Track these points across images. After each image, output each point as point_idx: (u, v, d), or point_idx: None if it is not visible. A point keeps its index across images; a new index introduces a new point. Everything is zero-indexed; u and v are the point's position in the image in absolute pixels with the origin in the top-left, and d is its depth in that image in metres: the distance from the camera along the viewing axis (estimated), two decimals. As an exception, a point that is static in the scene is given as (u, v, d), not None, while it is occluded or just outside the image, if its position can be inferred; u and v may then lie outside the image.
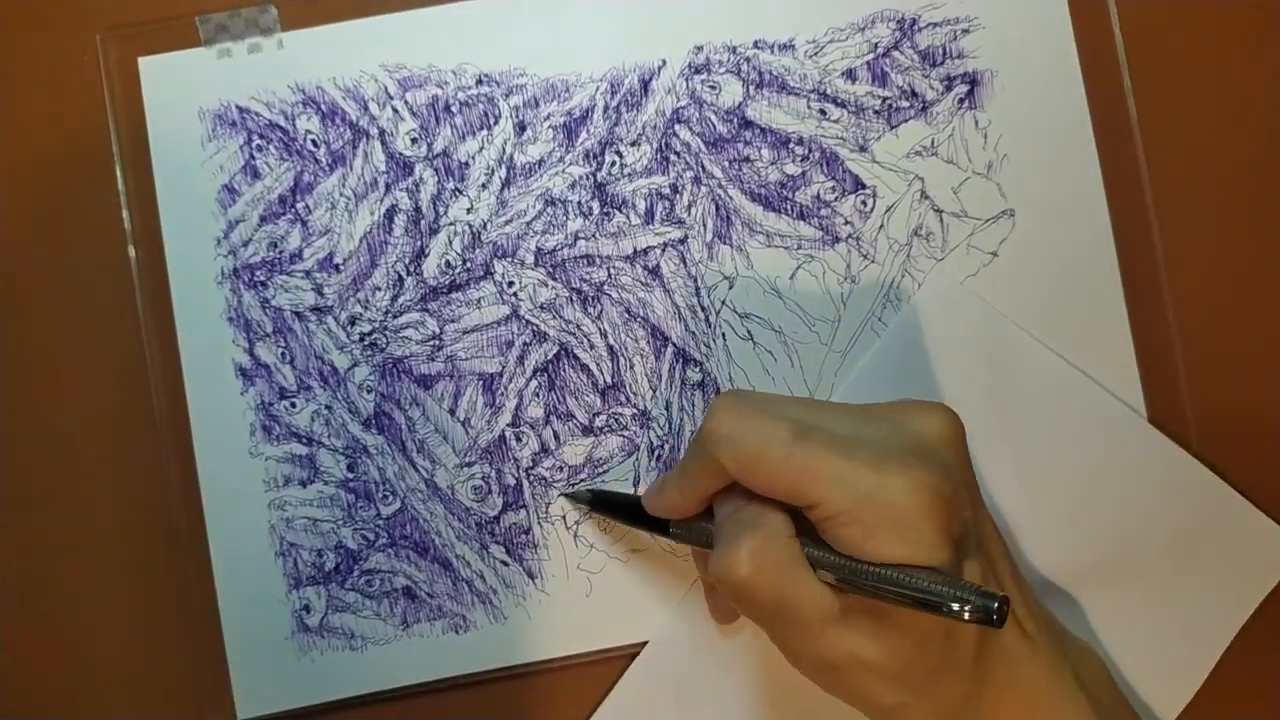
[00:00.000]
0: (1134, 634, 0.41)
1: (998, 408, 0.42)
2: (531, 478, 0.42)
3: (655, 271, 0.43)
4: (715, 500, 0.35)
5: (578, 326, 0.43)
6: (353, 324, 0.43)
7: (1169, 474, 0.42)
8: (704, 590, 0.41)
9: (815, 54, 0.43)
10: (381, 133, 0.43)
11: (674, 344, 0.43)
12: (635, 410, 0.43)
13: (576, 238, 0.43)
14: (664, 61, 0.43)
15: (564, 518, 0.42)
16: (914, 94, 0.43)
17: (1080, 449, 0.42)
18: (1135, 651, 0.41)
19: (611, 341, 0.43)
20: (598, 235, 0.43)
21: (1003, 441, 0.42)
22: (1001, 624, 0.29)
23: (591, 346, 0.43)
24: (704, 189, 0.43)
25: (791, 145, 0.43)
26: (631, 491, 0.42)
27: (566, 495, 0.42)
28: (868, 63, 0.43)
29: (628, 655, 0.42)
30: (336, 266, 0.43)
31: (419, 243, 0.43)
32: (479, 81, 0.43)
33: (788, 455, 0.32)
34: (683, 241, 0.43)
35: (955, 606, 0.29)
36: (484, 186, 0.43)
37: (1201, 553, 0.42)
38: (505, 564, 0.42)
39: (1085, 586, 0.42)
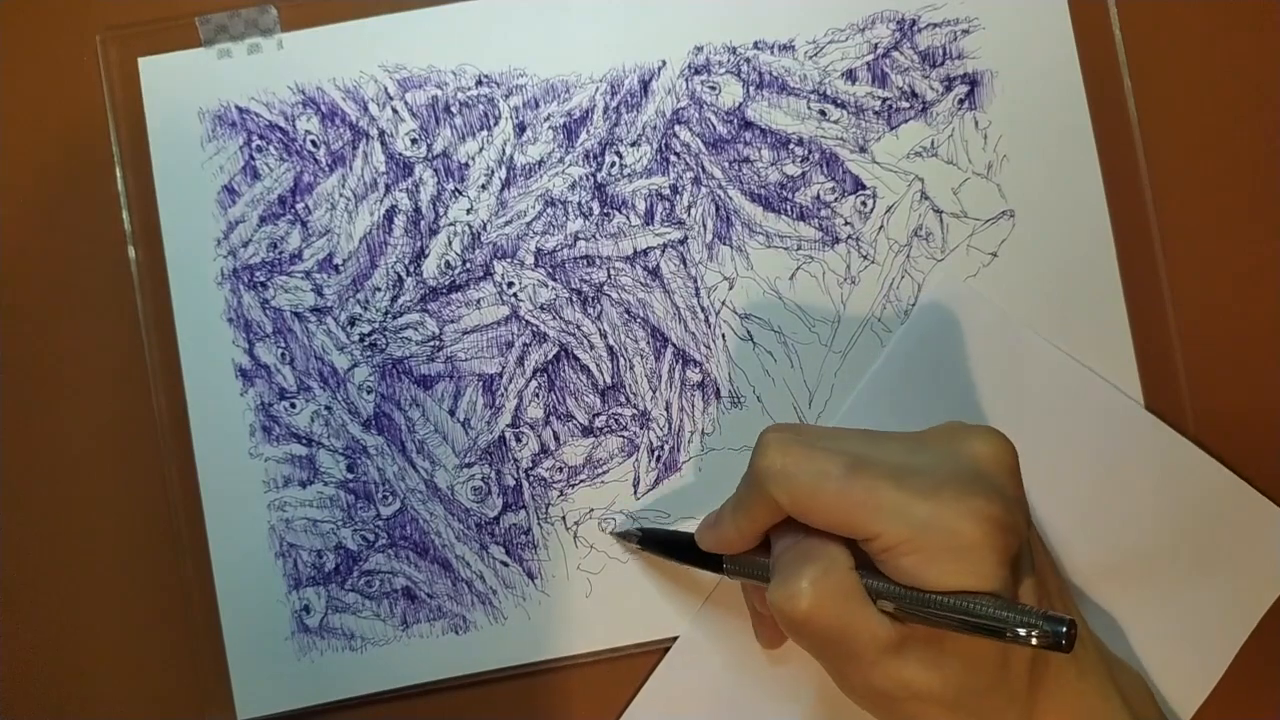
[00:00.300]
0: (1152, 631, 0.41)
1: (1007, 407, 0.42)
2: (531, 478, 0.42)
3: (655, 272, 0.43)
4: (771, 534, 0.35)
5: (577, 327, 0.43)
6: (352, 324, 0.43)
7: (1182, 471, 0.42)
8: (752, 618, 0.41)
9: (815, 55, 0.43)
10: (381, 133, 0.43)
11: (674, 345, 0.43)
12: (635, 411, 0.43)
13: (576, 238, 0.43)
14: (664, 62, 0.43)
15: (564, 518, 0.42)
16: (914, 95, 0.43)
17: (1092, 446, 0.42)
18: (1154, 648, 0.41)
19: (611, 342, 0.43)
20: (598, 236, 0.43)
21: (1014, 441, 0.42)
22: (1070, 648, 0.29)
23: (591, 347, 0.43)
24: (704, 190, 0.43)
25: (791, 146, 0.43)
26: (678, 528, 0.41)
27: (617, 535, 0.42)
28: (868, 63, 0.43)
29: (628, 655, 0.42)
30: (336, 267, 0.43)
31: (419, 243, 0.43)
32: (479, 82, 0.43)
33: (843, 489, 0.32)
34: (683, 242, 0.43)
35: (1022, 632, 0.30)
36: (484, 187, 0.43)
37: (1217, 547, 0.42)
38: (505, 564, 0.42)
39: (1103, 584, 0.42)
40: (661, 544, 0.41)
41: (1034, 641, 0.29)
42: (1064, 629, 0.29)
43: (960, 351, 0.42)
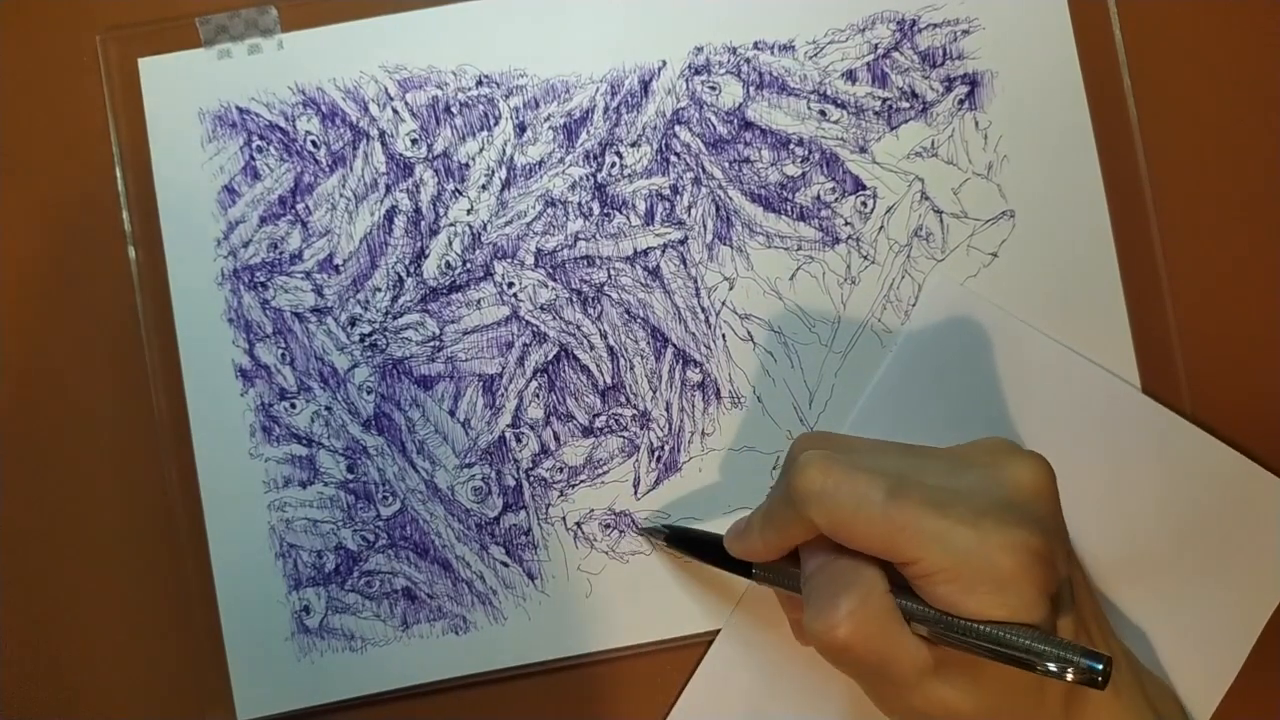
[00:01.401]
0: (1167, 624, 0.41)
1: (1012, 405, 0.42)
2: (531, 479, 0.42)
3: (655, 272, 0.43)
4: (803, 549, 0.35)
5: (578, 327, 0.43)
6: (353, 325, 0.43)
7: (1187, 455, 0.42)
8: (788, 619, 0.40)
9: (815, 55, 0.43)
10: (381, 134, 0.43)
11: (674, 345, 0.43)
12: (635, 411, 0.43)
13: (576, 239, 0.43)
14: (664, 62, 0.43)
15: (564, 519, 0.42)
16: (914, 95, 0.43)
17: (1098, 438, 0.42)
18: (1170, 641, 0.41)
19: (611, 342, 0.43)
20: (598, 236, 0.43)
21: (1020, 439, 0.42)
22: (1105, 685, 0.29)
23: (591, 347, 0.43)
24: (704, 190, 0.43)
25: (792, 146, 0.43)
26: (709, 529, 0.41)
27: (643, 530, 0.42)
28: (868, 64, 0.43)
29: (628, 656, 0.42)
30: (336, 267, 0.43)
31: (419, 244, 0.43)
32: (479, 82, 0.43)
33: (885, 515, 0.31)
34: (683, 242, 0.43)
35: (1055, 668, 0.30)
36: (484, 187, 0.43)
37: (1228, 534, 0.41)
38: (505, 565, 0.42)
39: (1117, 579, 0.42)
40: (689, 543, 0.40)
41: (1069, 677, 0.29)
42: (1100, 665, 0.29)
43: (962, 353, 0.42)
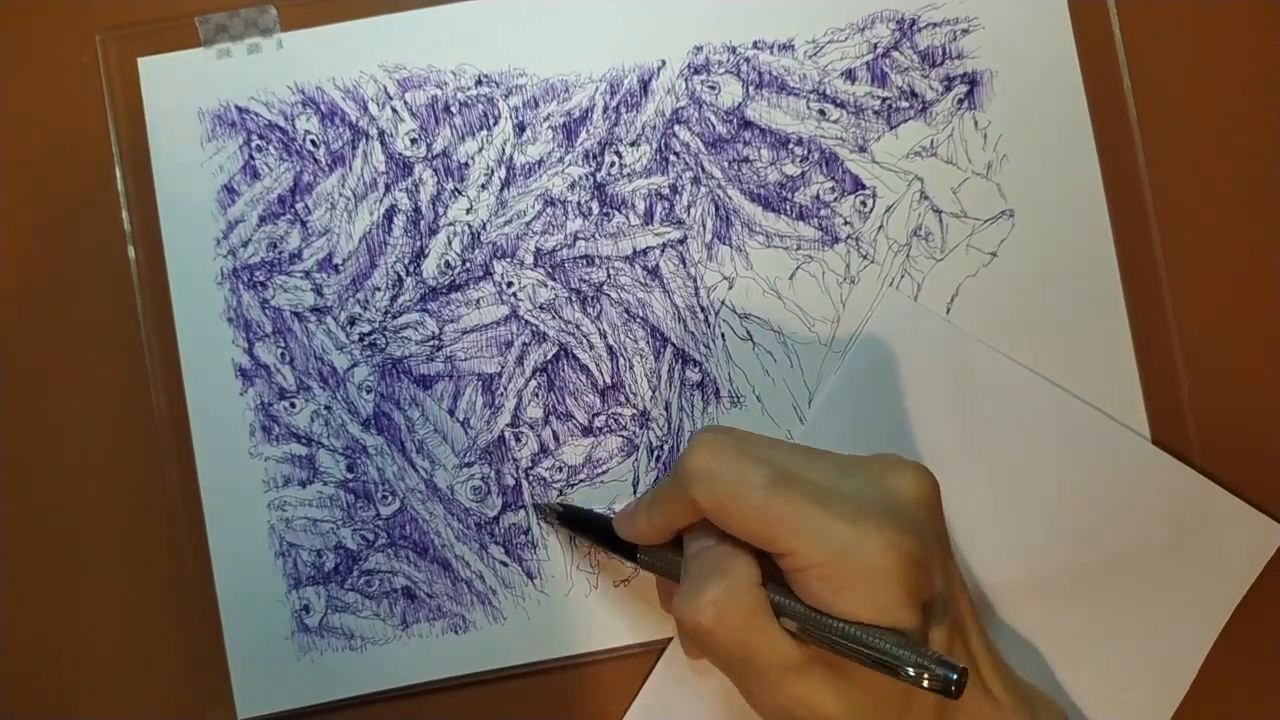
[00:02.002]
0: (1118, 635, 0.41)
1: (964, 420, 0.42)
2: (531, 478, 0.42)
3: (654, 272, 0.43)
4: (685, 534, 0.35)
5: (577, 327, 0.43)
6: (352, 324, 0.43)
7: (1141, 471, 0.42)
8: (675, 625, 0.41)
9: (815, 54, 0.43)
10: (381, 133, 0.43)
11: (673, 344, 0.43)
12: (634, 411, 0.43)
13: (576, 238, 0.43)
14: (663, 62, 0.43)
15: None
16: (913, 94, 0.43)
17: (1049, 453, 0.42)
18: (1120, 652, 0.41)
19: (611, 342, 0.43)
20: (597, 235, 0.43)
21: (970, 453, 0.42)
22: (958, 695, 0.29)
23: (591, 347, 0.43)
24: (703, 189, 0.43)
25: (791, 145, 0.43)
26: (603, 510, 0.41)
27: (537, 506, 0.42)
28: (867, 63, 0.43)
29: (627, 656, 0.42)
30: (336, 267, 0.43)
31: (418, 243, 0.43)
32: (478, 82, 0.43)
33: (764, 502, 0.32)
34: (682, 242, 0.43)
35: (913, 673, 0.30)
36: (483, 187, 0.43)
37: (1181, 546, 0.41)
38: (504, 564, 0.42)
39: (1065, 592, 0.42)
40: (580, 523, 0.40)
41: (925, 684, 0.30)
42: (954, 675, 0.29)
43: (911, 369, 0.42)
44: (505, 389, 0.43)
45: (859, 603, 0.31)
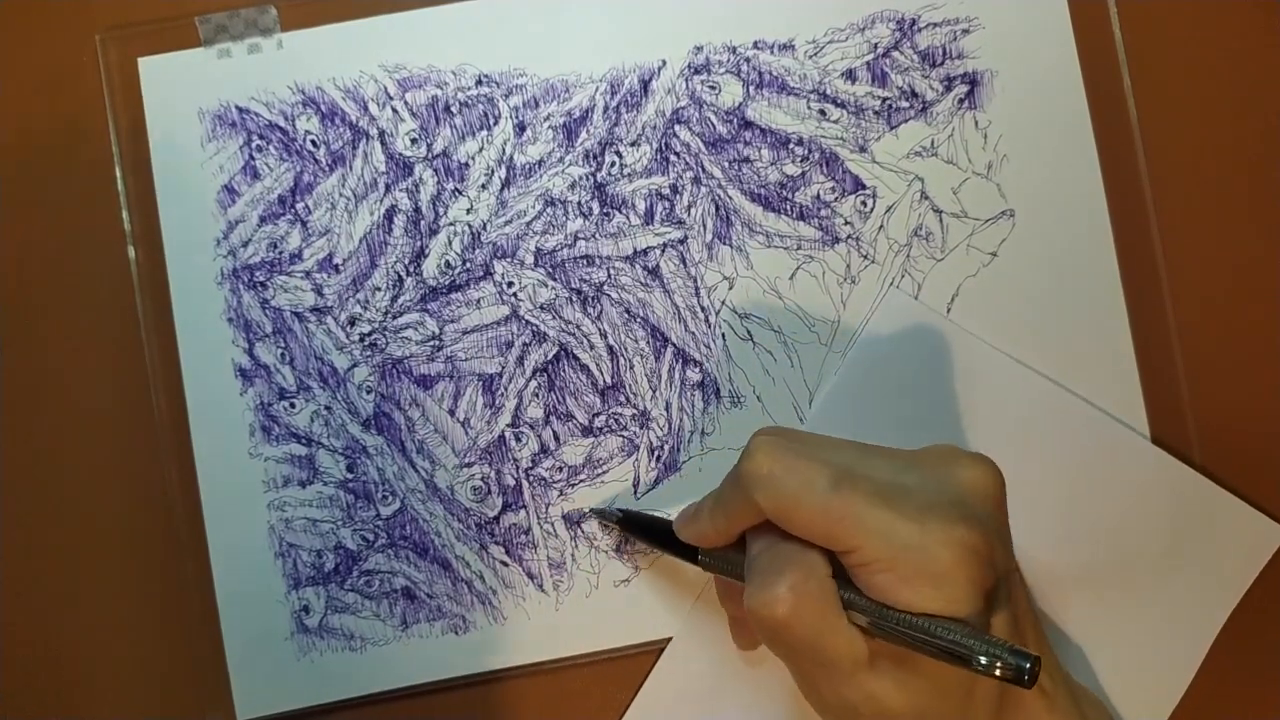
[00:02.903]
0: (1118, 634, 0.41)
1: (965, 420, 0.42)
2: (531, 478, 0.42)
3: (655, 272, 0.43)
4: (749, 534, 0.35)
5: (577, 327, 0.43)
6: (352, 324, 0.43)
7: (1142, 470, 0.42)
8: (728, 619, 0.41)
9: (815, 54, 0.43)
10: (381, 133, 0.43)
11: (673, 344, 0.43)
12: (635, 410, 0.43)
13: (576, 238, 0.43)
14: (664, 62, 0.43)
15: (564, 518, 0.42)
16: (914, 94, 0.43)
17: (1051, 453, 0.42)
18: (1120, 651, 0.41)
19: (611, 342, 0.43)
20: (597, 236, 0.43)
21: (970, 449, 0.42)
22: (1032, 684, 0.29)
23: (591, 347, 0.43)
24: (704, 189, 0.43)
25: (791, 146, 0.43)
26: (661, 515, 0.41)
27: (595, 511, 0.42)
28: (867, 63, 0.43)
29: (627, 656, 0.42)
30: (336, 267, 0.43)
31: (419, 243, 0.43)
32: (479, 82, 0.43)
33: (827, 503, 0.32)
34: (682, 242, 0.43)
35: (985, 662, 0.30)
36: (484, 187, 0.43)
37: (1180, 545, 0.41)
38: (505, 564, 0.42)
39: (1065, 590, 0.42)
40: (640, 527, 0.40)
41: (996, 673, 0.30)
42: (1027, 664, 0.29)
43: (911, 368, 0.42)
44: (505, 389, 0.43)
45: (926, 596, 0.31)
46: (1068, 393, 0.42)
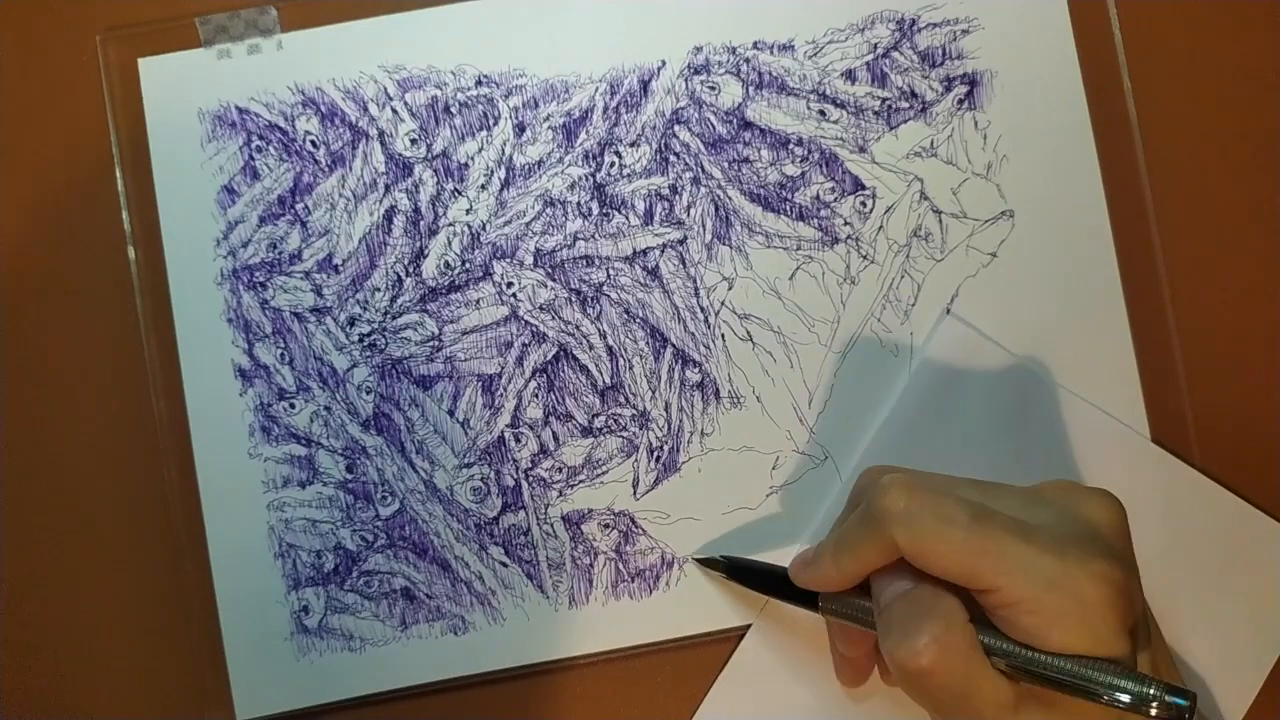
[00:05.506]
0: (1177, 662, 0.41)
1: (1019, 452, 0.42)
2: (530, 479, 0.42)
3: (654, 272, 0.43)
4: (875, 577, 0.34)
5: (577, 327, 0.43)
6: (352, 325, 0.43)
7: (1192, 502, 0.42)
8: (834, 658, 0.40)
9: (815, 55, 0.43)
10: (381, 134, 0.43)
11: (673, 345, 0.43)
12: (634, 411, 0.43)
13: (576, 238, 0.43)
14: (663, 62, 0.43)
15: (563, 519, 0.42)
16: (913, 95, 0.43)
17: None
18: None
19: (610, 342, 0.43)
20: (597, 236, 0.43)
21: (1025, 480, 0.42)
22: None
23: (590, 347, 0.43)
24: (703, 190, 0.43)
25: (791, 146, 0.43)
26: (769, 561, 0.40)
27: (699, 560, 0.42)
28: (867, 63, 0.43)
29: (627, 656, 0.42)
30: (336, 267, 0.43)
31: (418, 243, 0.43)
32: (478, 82, 0.43)
33: (968, 538, 0.31)
34: (682, 242, 0.43)
35: (1141, 702, 0.29)
36: (483, 187, 0.43)
37: (1238, 579, 0.41)
38: (504, 565, 0.42)
39: None
40: (749, 574, 0.40)
41: (1153, 712, 0.29)
42: (1185, 702, 0.29)
43: (968, 400, 0.42)
44: (505, 389, 0.43)
45: (1074, 635, 0.30)
46: (1122, 424, 0.42)
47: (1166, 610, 0.41)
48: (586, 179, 0.43)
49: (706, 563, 0.41)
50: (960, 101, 0.43)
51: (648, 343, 0.43)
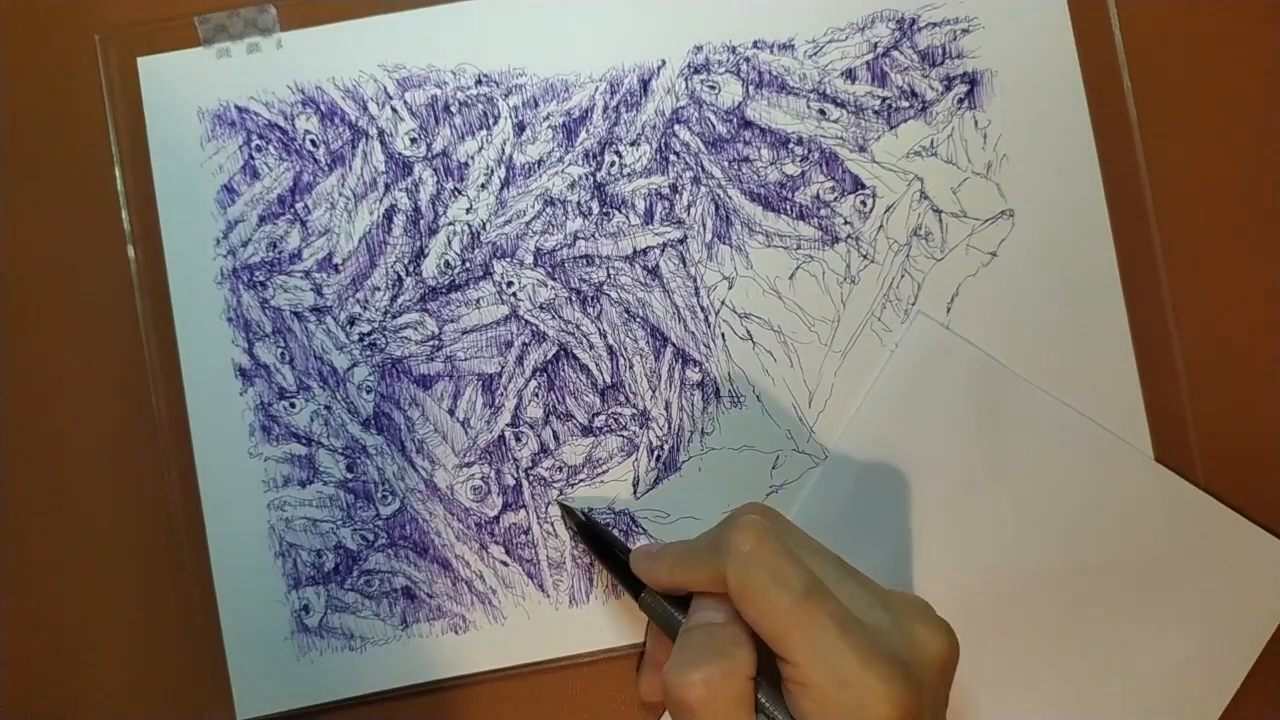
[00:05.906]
0: (1122, 651, 0.41)
1: (991, 450, 0.42)
2: (531, 478, 0.42)
3: (654, 271, 0.43)
4: (696, 598, 0.35)
5: (577, 326, 0.43)
6: (352, 324, 0.43)
7: (1172, 505, 0.42)
8: (644, 654, 0.41)
9: (815, 54, 0.43)
10: (381, 133, 0.43)
11: (673, 344, 0.43)
12: (634, 410, 0.43)
13: (576, 238, 0.43)
14: (663, 61, 0.43)
15: (564, 519, 0.42)
16: (913, 94, 0.43)
17: (1078, 485, 0.42)
18: (1126, 667, 0.41)
19: (611, 341, 0.43)
20: (597, 235, 0.43)
21: (997, 483, 0.42)
22: None
23: (591, 346, 0.43)
24: (703, 189, 0.43)
25: (791, 145, 0.43)
26: (620, 537, 0.41)
27: (562, 504, 0.42)
28: (867, 63, 0.43)
29: (627, 655, 0.42)
30: (336, 267, 0.43)
31: (418, 243, 0.43)
32: (478, 81, 0.43)
33: (791, 606, 0.31)
34: (682, 241, 0.43)
35: None
36: (483, 186, 0.43)
37: (1210, 580, 0.42)
38: (505, 564, 0.42)
39: (1095, 622, 0.42)
40: (597, 540, 0.40)
41: None
42: None
43: (938, 396, 0.42)
44: (505, 389, 0.43)
45: None
46: (1096, 425, 0.42)
47: (1170, 627, 0.41)
48: (586, 178, 0.43)
49: (568, 511, 0.42)
50: (960, 101, 0.43)
51: (648, 342, 0.43)
